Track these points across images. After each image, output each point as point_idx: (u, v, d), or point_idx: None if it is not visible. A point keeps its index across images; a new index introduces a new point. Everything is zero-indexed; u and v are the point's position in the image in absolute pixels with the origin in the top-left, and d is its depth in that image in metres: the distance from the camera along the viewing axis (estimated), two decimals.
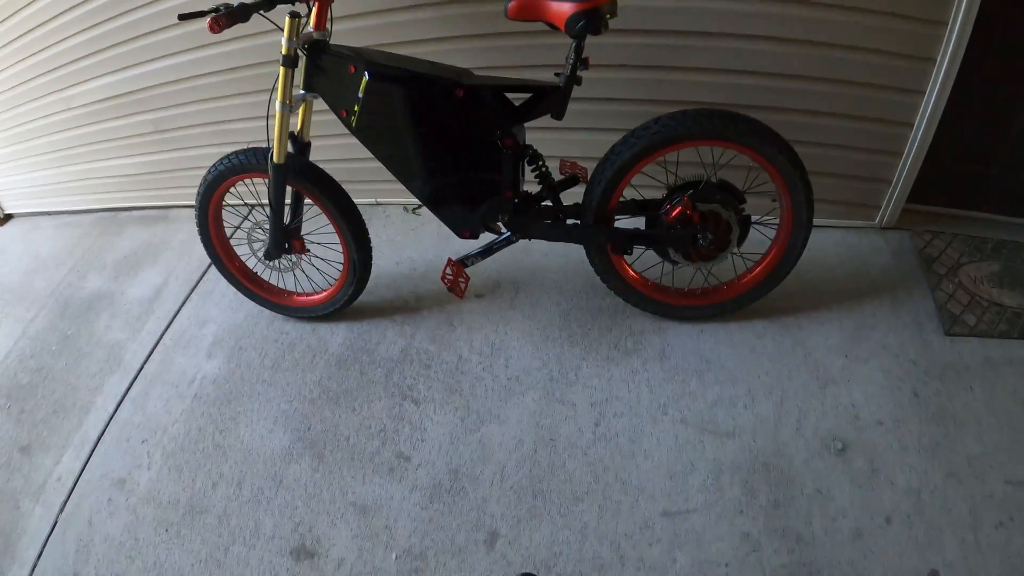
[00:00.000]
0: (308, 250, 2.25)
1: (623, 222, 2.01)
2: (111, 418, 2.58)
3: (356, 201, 2.13)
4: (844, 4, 1.96)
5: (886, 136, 2.26)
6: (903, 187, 2.37)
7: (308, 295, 2.42)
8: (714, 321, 2.21)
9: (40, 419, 2.77)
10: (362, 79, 1.76)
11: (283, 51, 1.76)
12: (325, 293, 2.38)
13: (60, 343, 3.13)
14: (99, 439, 2.53)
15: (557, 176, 2.01)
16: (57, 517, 2.32)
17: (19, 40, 3.13)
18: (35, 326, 3.39)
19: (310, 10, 1.75)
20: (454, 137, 1.86)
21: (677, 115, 1.74)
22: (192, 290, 2.94)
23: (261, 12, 1.64)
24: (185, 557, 1.99)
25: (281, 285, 2.48)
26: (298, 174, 2.00)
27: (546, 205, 1.99)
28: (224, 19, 1.52)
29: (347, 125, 1.89)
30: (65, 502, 2.34)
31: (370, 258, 2.21)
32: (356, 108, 1.82)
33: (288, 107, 1.83)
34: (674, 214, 1.86)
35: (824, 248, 2.42)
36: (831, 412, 1.98)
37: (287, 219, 2.12)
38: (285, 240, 2.16)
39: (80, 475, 2.44)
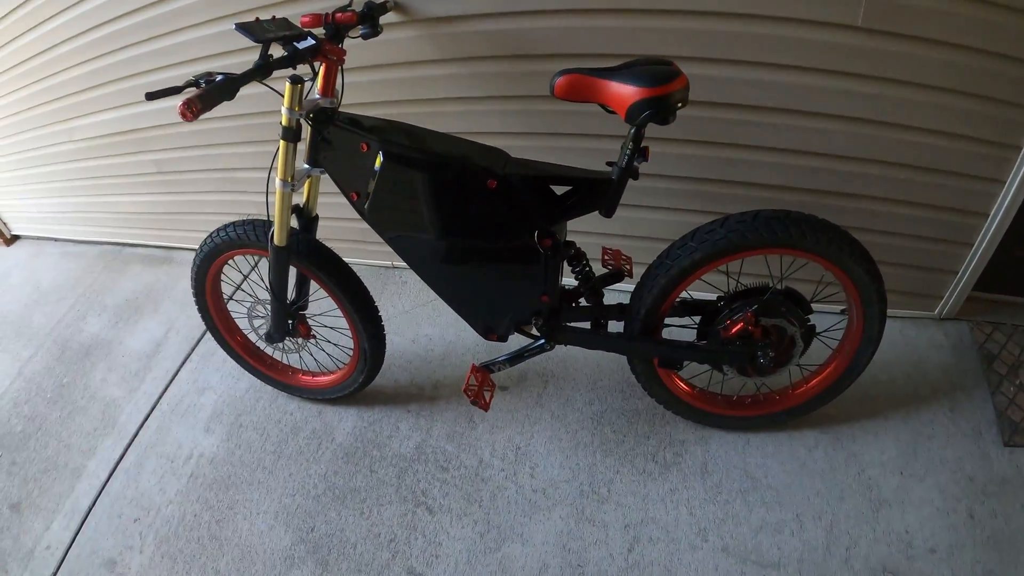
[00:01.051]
0: (314, 336, 2.05)
1: (673, 327, 1.79)
2: (103, 488, 2.42)
3: (369, 263, 1.95)
4: (926, 83, 1.73)
5: (958, 226, 2.03)
6: (969, 278, 2.14)
7: (315, 375, 2.23)
8: (762, 430, 2.00)
9: (32, 476, 2.63)
10: (376, 159, 1.53)
11: (283, 122, 1.52)
12: (333, 376, 2.18)
13: (56, 391, 2.97)
14: (90, 510, 2.37)
15: (597, 268, 1.79)
16: None
17: (22, 66, 2.95)
18: (32, 367, 3.23)
19: (315, 73, 1.55)
20: (483, 233, 1.61)
21: (746, 218, 1.50)
22: (192, 350, 2.76)
23: (258, 80, 1.38)
24: None
25: (287, 361, 2.28)
26: (303, 255, 1.80)
27: (585, 305, 1.77)
28: (199, 103, 1.19)
29: (358, 210, 1.66)
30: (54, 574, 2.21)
31: (383, 347, 2.01)
32: (369, 192, 1.60)
33: (290, 185, 1.61)
34: (734, 330, 1.64)
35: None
36: (883, 539, 1.77)
37: (290, 301, 1.92)
38: (288, 323, 1.97)
39: (69, 547, 2.29)
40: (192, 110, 1.18)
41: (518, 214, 1.54)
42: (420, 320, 2.43)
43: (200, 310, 2.13)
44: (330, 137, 1.57)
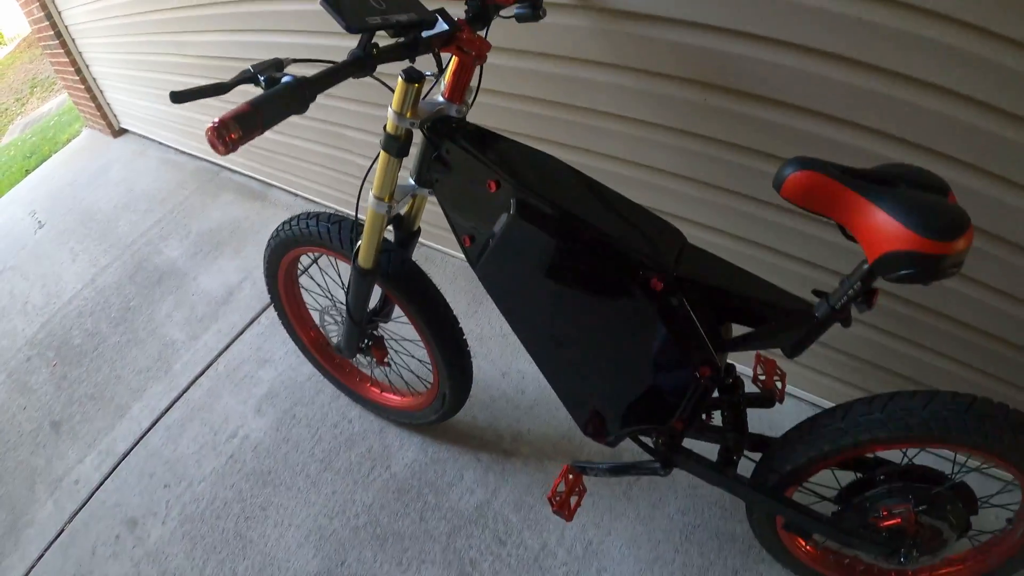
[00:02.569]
0: (388, 363, 1.78)
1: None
2: (142, 437, 2.27)
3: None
4: None
5: None
6: None
7: (385, 391, 1.97)
8: None
9: (77, 397, 2.53)
10: (507, 206, 1.14)
11: (387, 127, 1.15)
12: (405, 400, 1.91)
13: (120, 313, 2.84)
14: (124, 457, 2.23)
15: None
16: (65, 525, 2.10)
17: None
18: (105, 278, 3.12)
19: (442, 69, 1.14)
20: (626, 339, 1.19)
21: (958, 407, 1.06)
22: (263, 311, 2.55)
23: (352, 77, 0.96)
24: None
25: (359, 366, 2.03)
26: (391, 278, 1.44)
27: (718, 426, 1.39)
28: (238, 128, 0.77)
29: (467, 256, 1.28)
30: (76, 512, 2.11)
31: (465, 395, 1.70)
32: (488, 244, 1.22)
33: (387, 206, 1.28)
34: (886, 523, 1.26)
35: None
36: None
37: (369, 316, 1.64)
38: (361, 343, 1.70)
39: (96, 490, 2.17)
40: (225, 141, 0.77)
41: (679, 329, 1.13)
42: (517, 351, 2.12)
43: (271, 296, 1.88)
44: (449, 158, 1.20)
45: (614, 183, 1.67)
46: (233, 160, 3.36)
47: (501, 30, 1.55)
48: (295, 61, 0.97)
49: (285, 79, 0.85)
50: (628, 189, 1.66)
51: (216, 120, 0.76)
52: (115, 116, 4.31)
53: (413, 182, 1.29)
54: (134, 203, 3.68)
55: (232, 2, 2.34)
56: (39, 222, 3.94)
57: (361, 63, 0.93)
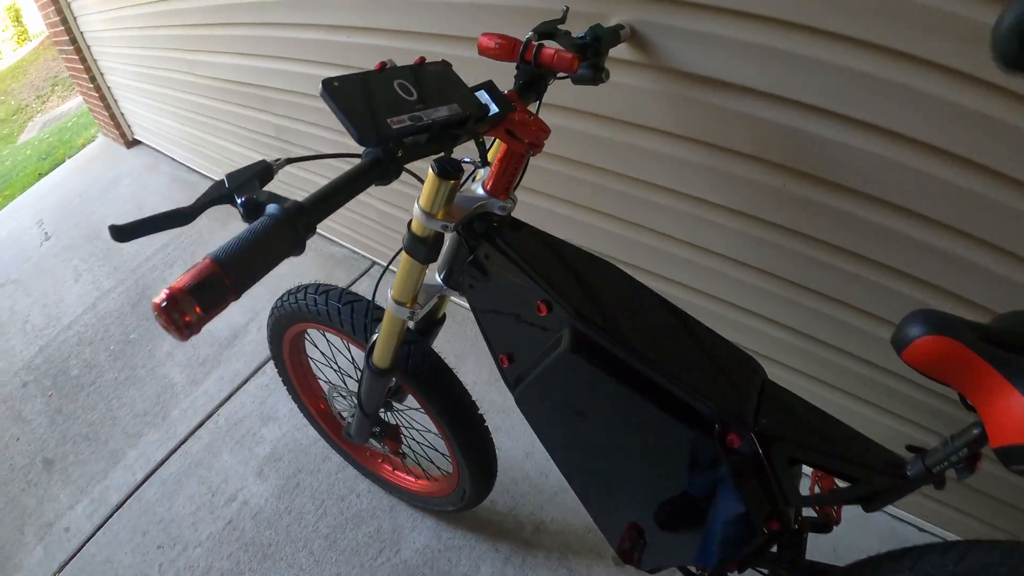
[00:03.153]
0: (403, 454, 1.60)
1: None
2: (136, 489, 2.12)
3: None
4: None
5: None
6: None
7: (399, 470, 1.79)
8: None
9: (71, 435, 2.39)
10: (558, 333, 0.92)
11: (412, 227, 0.93)
12: (421, 483, 1.73)
13: (120, 345, 2.70)
14: (116, 509, 2.09)
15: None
16: None
17: None
18: (107, 304, 2.97)
19: (484, 160, 0.86)
20: (684, 478, 0.99)
21: None
22: (268, 360, 2.39)
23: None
24: None
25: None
26: (410, 374, 1.26)
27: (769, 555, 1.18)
28: (198, 308, 0.51)
29: (504, 377, 1.05)
30: (66, 563, 1.99)
31: (488, 490, 1.53)
32: (530, 372, 0.98)
33: (410, 312, 1.06)
34: None
35: None
36: None
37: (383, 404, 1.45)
38: (371, 432, 1.52)
39: (87, 541, 2.05)
40: (179, 326, 0.51)
41: (750, 484, 0.94)
42: None
43: (276, 364, 1.71)
44: (488, 264, 0.96)
45: (661, 262, 1.49)
46: None
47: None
48: (290, 162, 0.73)
49: (270, 208, 0.59)
50: (672, 267, 1.47)
51: (166, 292, 0.51)
52: (129, 127, 4.18)
53: (441, 281, 1.06)
54: None
55: (246, 24, 2.18)
56: (46, 233, 3.82)
57: (383, 167, 0.68)
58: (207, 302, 0.51)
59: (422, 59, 0.78)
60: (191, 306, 0.50)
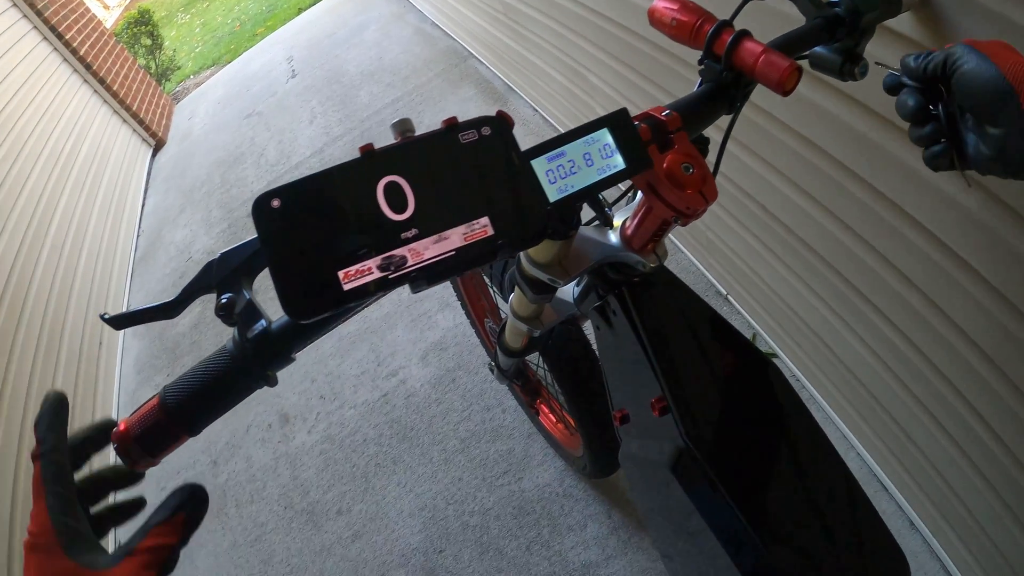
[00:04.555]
0: (535, 411, 1.61)
1: None
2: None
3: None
4: None
5: None
6: None
7: (544, 404, 1.83)
8: None
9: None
10: (670, 435, 0.68)
11: (521, 269, 0.72)
12: (559, 427, 1.76)
13: None
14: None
15: None
16: None
17: None
18: (332, 150, 3.20)
19: (603, 217, 0.63)
20: None
21: None
22: None
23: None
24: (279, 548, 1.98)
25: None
26: (548, 354, 1.28)
27: None
28: (143, 449, 0.48)
29: (616, 432, 0.85)
30: None
31: (607, 472, 1.52)
32: (633, 445, 0.79)
33: (530, 329, 0.94)
34: None
35: None
36: None
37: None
38: (510, 381, 1.54)
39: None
40: (134, 464, 0.49)
41: None
42: None
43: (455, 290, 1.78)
44: (613, 320, 0.76)
45: (894, 308, 1.24)
46: (482, 53, 3.22)
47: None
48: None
49: (228, 344, 0.50)
50: (907, 319, 1.18)
51: (116, 431, 0.48)
52: None
53: (572, 301, 0.86)
54: (379, 74, 3.72)
55: None
56: (293, 71, 4.14)
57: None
58: (155, 447, 0.48)
59: (451, 121, 0.45)
60: (135, 453, 0.48)
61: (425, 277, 0.42)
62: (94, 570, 0.39)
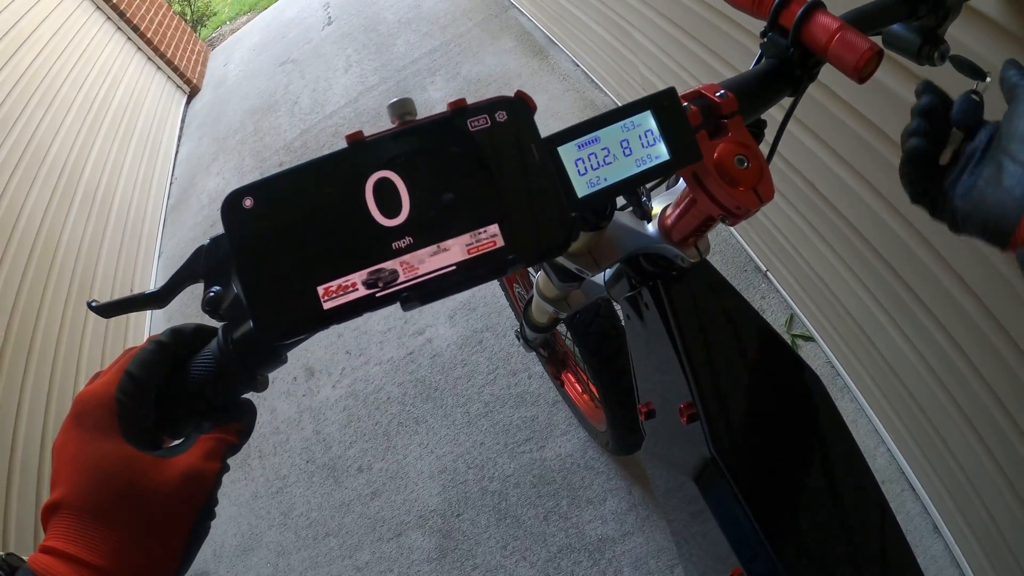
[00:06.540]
0: (561, 382, 1.56)
1: None
2: None
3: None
4: None
5: None
6: None
7: (570, 373, 1.79)
8: None
9: None
10: (699, 443, 0.61)
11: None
12: (584, 398, 1.72)
13: None
14: None
15: None
16: None
17: None
18: (367, 100, 3.14)
19: (640, 209, 0.65)
20: None
21: None
22: None
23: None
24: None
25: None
26: (575, 331, 1.26)
27: None
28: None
29: (640, 424, 0.78)
30: None
31: (630, 450, 1.49)
32: (657, 443, 0.75)
33: (556, 311, 0.95)
34: None
35: None
36: None
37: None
38: (536, 350, 1.51)
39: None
40: None
41: None
42: None
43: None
44: (644, 312, 0.69)
45: (944, 313, 1.16)
46: (523, 3, 3.11)
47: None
48: None
49: (209, 347, 0.44)
50: (958, 328, 1.15)
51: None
52: None
53: (603, 284, 0.80)
54: (417, 22, 3.63)
55: None
56: (329, 17, 4.06)
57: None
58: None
59: (459, 104, 0.39)
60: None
61: (418, 296, 0.36)
62: (155, 456, 0.38)
